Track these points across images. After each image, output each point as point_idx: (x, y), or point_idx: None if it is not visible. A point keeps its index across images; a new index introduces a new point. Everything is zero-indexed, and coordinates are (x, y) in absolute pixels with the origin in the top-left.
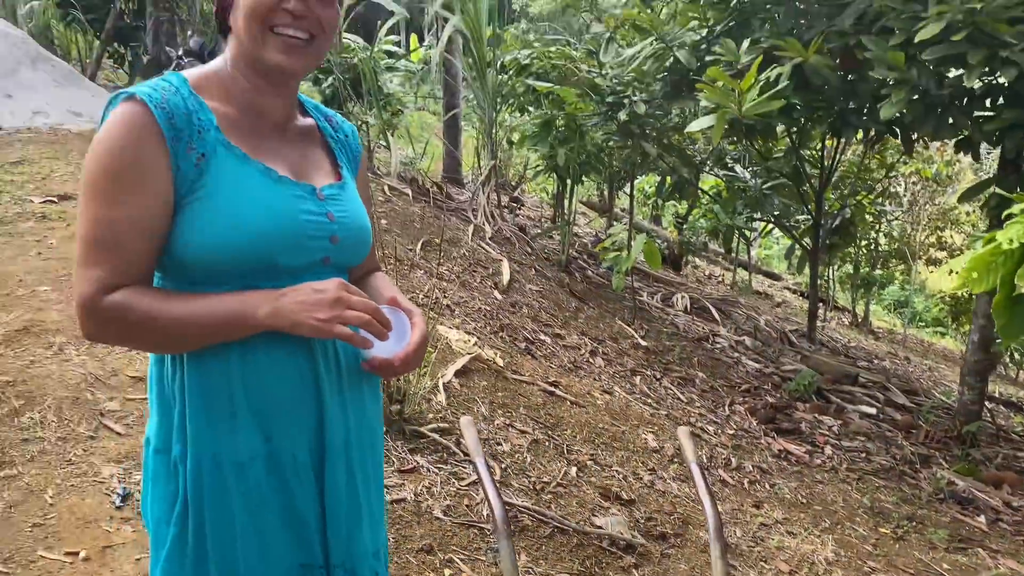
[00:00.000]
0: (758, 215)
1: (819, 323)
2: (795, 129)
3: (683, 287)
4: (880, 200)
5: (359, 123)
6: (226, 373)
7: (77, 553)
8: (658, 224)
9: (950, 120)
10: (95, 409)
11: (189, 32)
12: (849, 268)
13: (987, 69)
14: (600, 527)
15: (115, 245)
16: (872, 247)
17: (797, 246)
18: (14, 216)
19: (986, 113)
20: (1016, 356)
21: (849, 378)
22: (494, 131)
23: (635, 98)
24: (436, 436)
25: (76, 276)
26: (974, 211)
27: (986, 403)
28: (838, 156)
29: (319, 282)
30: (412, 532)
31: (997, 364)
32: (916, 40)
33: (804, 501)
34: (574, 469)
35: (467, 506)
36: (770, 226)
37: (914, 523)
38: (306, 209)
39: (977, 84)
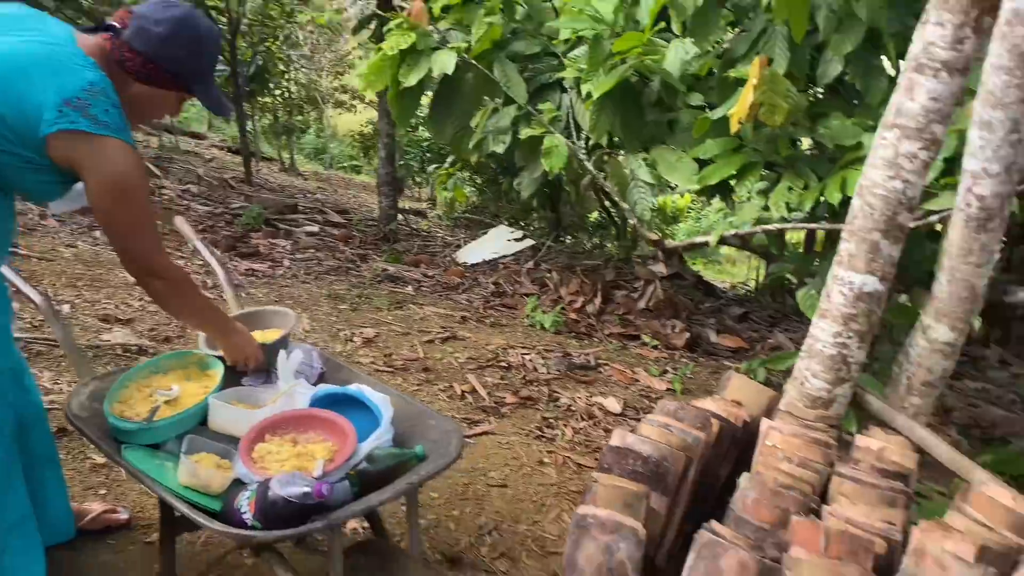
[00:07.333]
0: None
1: (253, 169)
2: None
3: None
4: (285, 47)
5: None
6: None
7: None
8: None
9: None
10: None
11: None
12: (270, 119)
13: None
14: (109, 339)
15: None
16: (286, 95)
17: None
18: None
19: None
20: (416, 178)
21: (290, 208)
22: None
23: None
24: None
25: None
26: (364, 55)
27: (400, 213)
28: (243, 3)
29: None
30: None
31: (402, 181)
32: None
33: (277, 300)
34: (66, 307)
35: None
36: None
37: (363, 299)
38: None
39: None
